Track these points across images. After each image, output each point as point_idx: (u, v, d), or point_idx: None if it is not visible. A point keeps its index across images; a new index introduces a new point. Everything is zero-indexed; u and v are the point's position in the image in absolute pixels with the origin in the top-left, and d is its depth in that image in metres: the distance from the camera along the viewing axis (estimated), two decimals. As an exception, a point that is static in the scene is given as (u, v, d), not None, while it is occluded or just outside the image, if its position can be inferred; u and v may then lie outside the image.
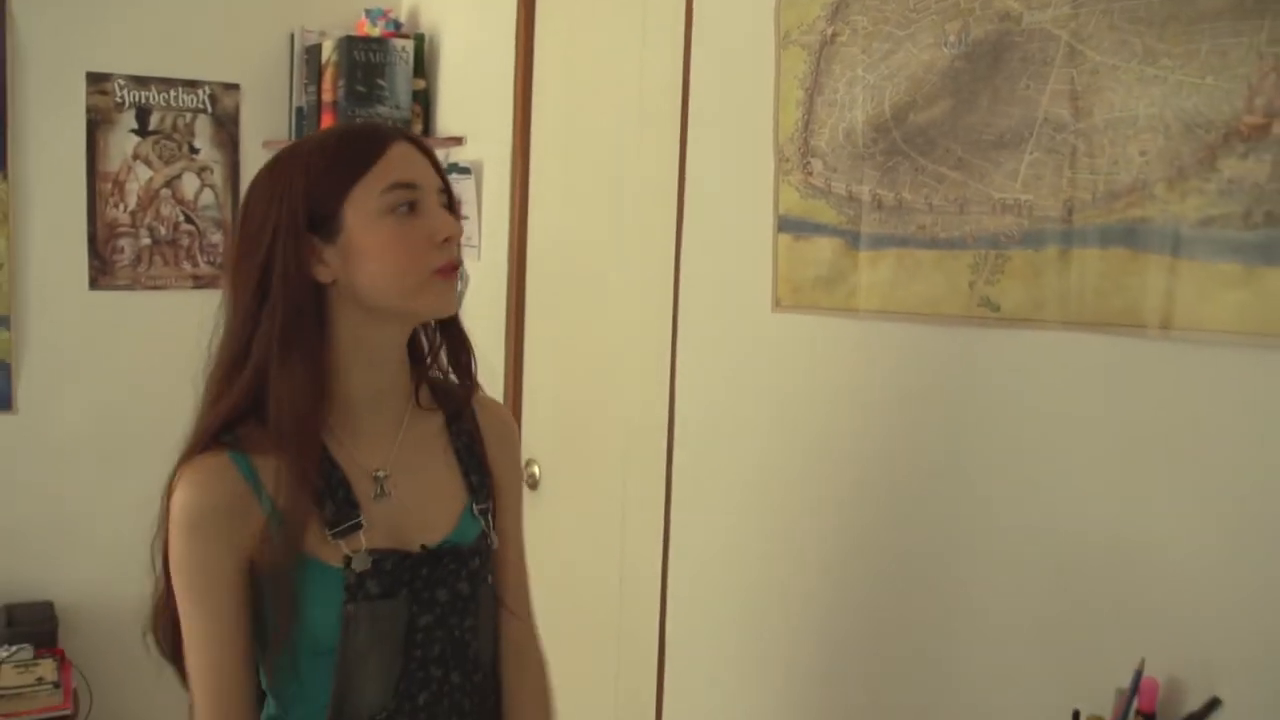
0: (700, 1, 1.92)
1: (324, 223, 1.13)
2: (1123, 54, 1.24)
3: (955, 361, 1.46)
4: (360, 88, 2.79)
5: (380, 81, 2.81)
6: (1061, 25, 1.30)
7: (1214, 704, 1.15)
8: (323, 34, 2.95)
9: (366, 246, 1.13)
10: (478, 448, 1.30)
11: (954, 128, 1.43)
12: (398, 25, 2.94)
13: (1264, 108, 1.12)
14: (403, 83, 2.85)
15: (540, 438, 2.51)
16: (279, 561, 1.10)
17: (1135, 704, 1.18)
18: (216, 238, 2.98)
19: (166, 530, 1.14)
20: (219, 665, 1.13)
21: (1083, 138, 1.28)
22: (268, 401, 1.12)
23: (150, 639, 1.21)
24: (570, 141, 2.44)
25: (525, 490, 2.51)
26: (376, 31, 2.89)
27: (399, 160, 1.15)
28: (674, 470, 2.02)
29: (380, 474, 1.19)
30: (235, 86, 2.98)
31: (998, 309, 1.39)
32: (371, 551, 1.13)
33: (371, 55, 2.80)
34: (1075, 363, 1.31)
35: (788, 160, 1.69)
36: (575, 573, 2.36)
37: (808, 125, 1.65)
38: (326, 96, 2.87)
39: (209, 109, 2.94)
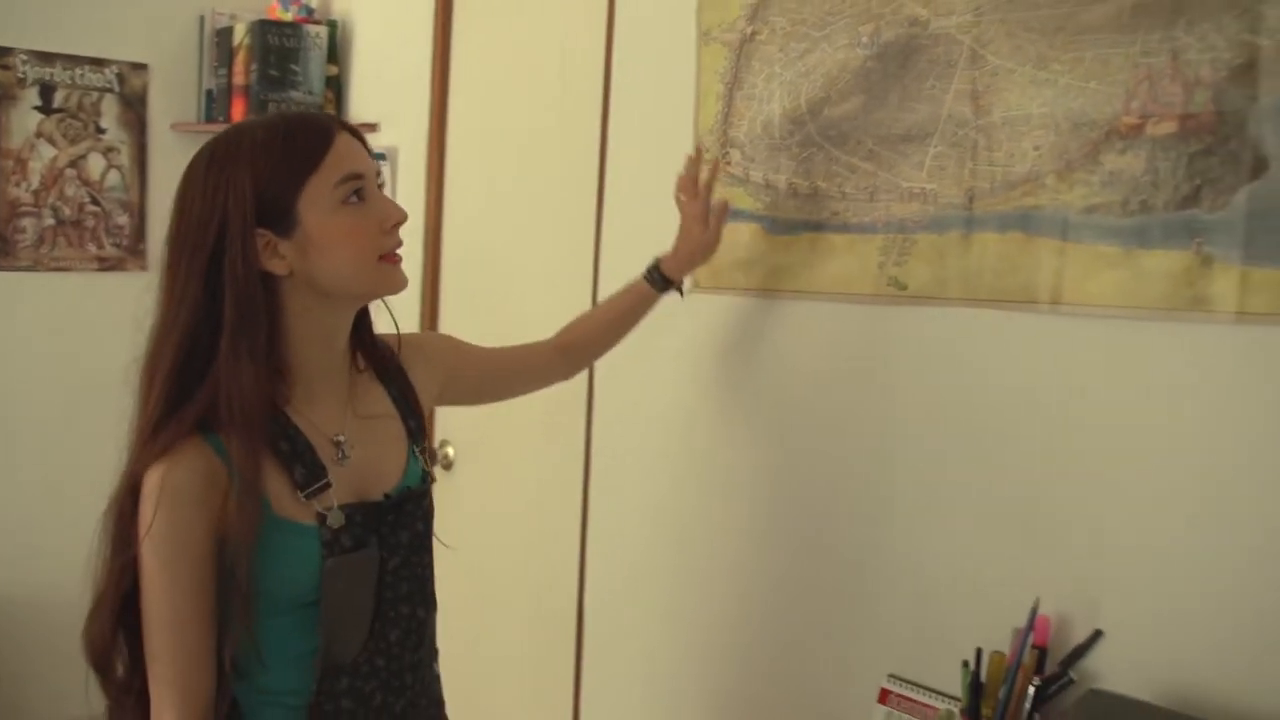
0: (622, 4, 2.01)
1: (278, 218, 1.18)
2: (1018, 59, 1.38)
3: (866, 337, 1.59)
4: (273, 72, 2.80)
5: (294, 66, 2.83)
6: (965, 31, 1.44)
7: (1097, 635, 1.31)
8: (234, 17, 2.95)
9: (325, 239, 1.19)
10: (409, 392, 1.39)
11: (866, 122, 1.56)
12: (309, 10, 2.96)
13: (1139, 110, 1.27)
14: (316, 68, 2.87)
15: (456, 419, 2.57)
16: (247, 524, 1.13)
17: (1030, 639, 1.32)
18: (123, 219, 2.94)
19: (122, 522, 1.16)
20: (185, 644, 1.15)
21: (983, 133, 1.42)
22: (221, 390, 1.15)
23: (83, 641, 1.18)
24: (488, 129, 2.50)
25: (440, 472, 2.57)
26: (289, 16, 2.90)
27: (345, 151, 1.21)
28: (592, 451, 2.11)
29: (340, 438, 1.26)
30: (144, 67, 2.94)
31: (905, 288, 1.53)
32: (343, 507, 1.20)
33: (285, 40, 2.81)
34: (977, 335, 1.45)
35: (708, 151, 1.79)
36: (493, 555, 2.42)
37: (727, 118, 1.77)
38: (238, 80, 2.87)
39: (116, 89, 2.90)
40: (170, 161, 2.85)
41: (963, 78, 1.44)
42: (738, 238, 1.75)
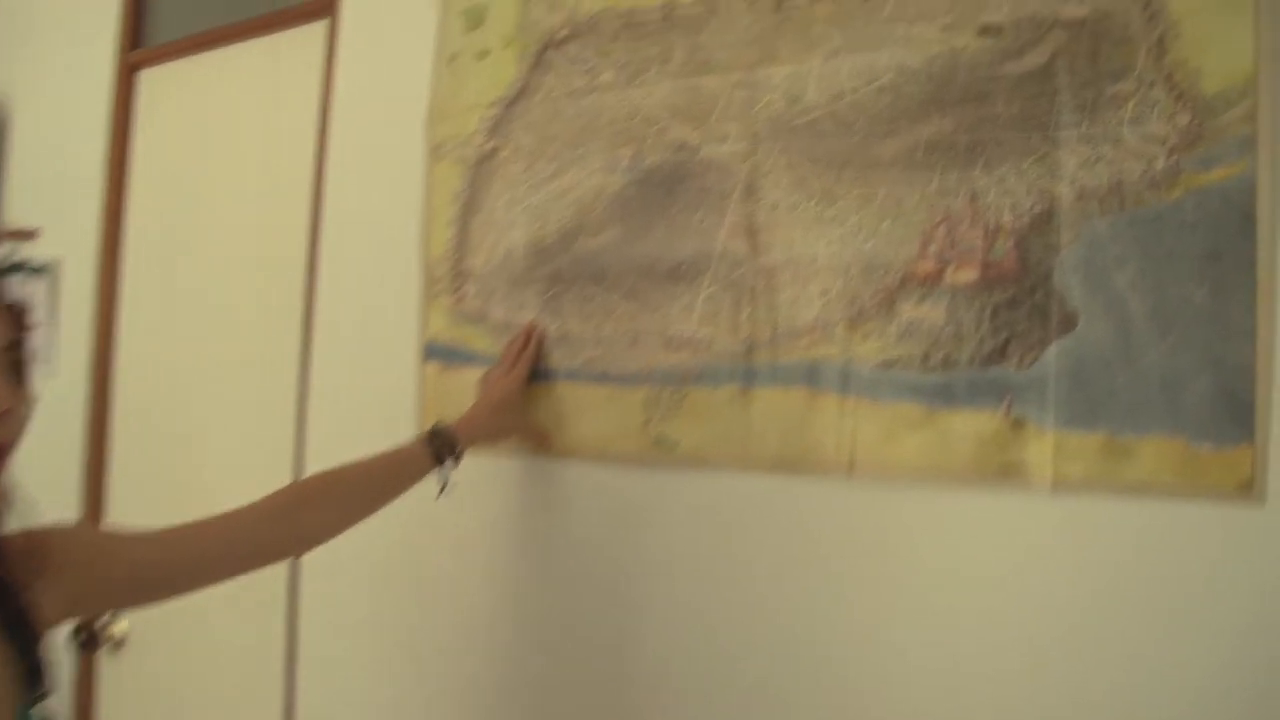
0: (341, 104, 1.74)
1: None
2: (801, 193, 1.23)
3: (627, 502, 1.36)
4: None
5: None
6: (740, 160, 1.28)
7: None
8: None
9: None
10: (26, 615, 0.98)
11: (626, 256, 1.36)
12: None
13: (937, 255, 1.15)
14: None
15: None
16: None
17: None
18: None
19: None
20: None
21: (762, 275, 1.26)
22: None
23: None
24: (175, 242, 2.11)
25: (104, 657, 2.07)
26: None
27: None
28: (299, 626, 1.74)
29: None
30: None
31: (674, 449, 1.32)
32: None
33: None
34: (759, 504, 1.26)
35: (438, 282, 1.54)
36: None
37: (462, 245, 1.52)
38: None
39: None
40: None
41: (738, 211, 1.28)
42: (473, 386, 1.49)
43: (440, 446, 1.31)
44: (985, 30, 1.12)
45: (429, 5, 1.60)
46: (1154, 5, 1.04)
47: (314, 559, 1.70)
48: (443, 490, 1.32)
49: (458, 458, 1.33)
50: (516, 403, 1.40)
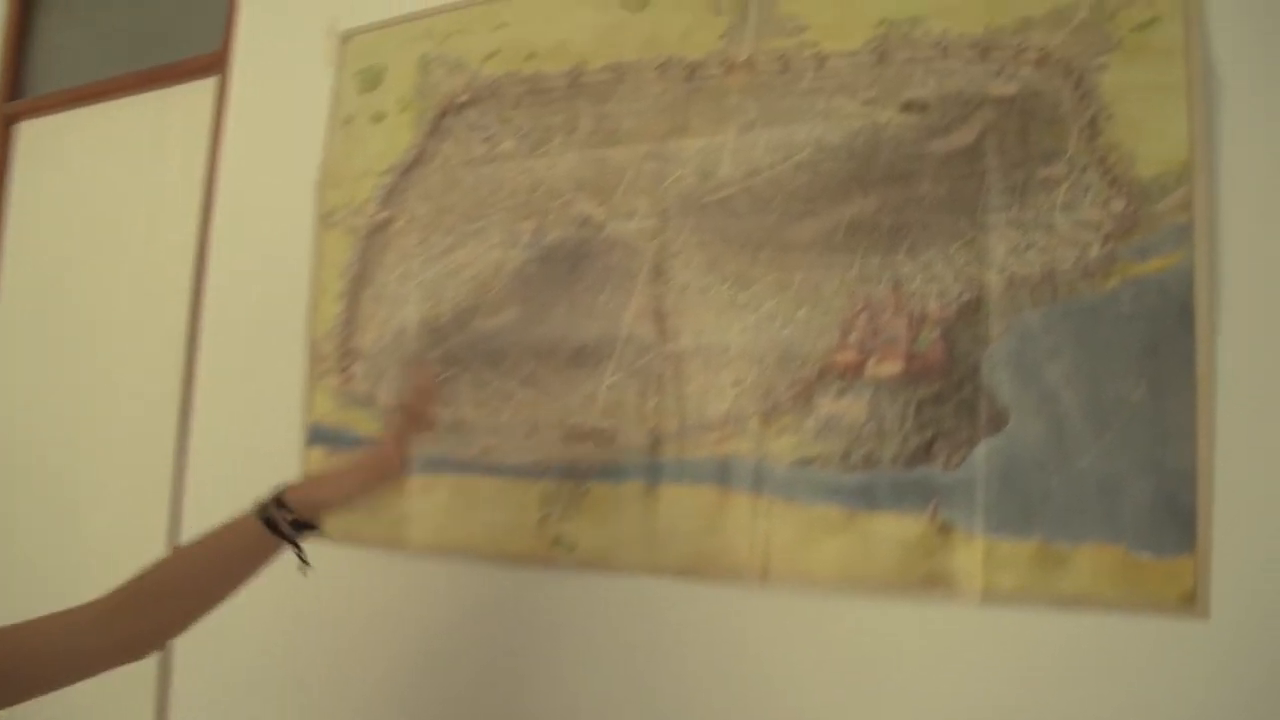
0: (229, 165, 1.62)
1: None
2: (714, 275, 1.14)
3: (523, 604, 1.24)
4: None
5: None
6: (648, 238, 1.19)
7: None
8: None
9: None
10: None
11: (525, 339, 1.26)
12: None
13: (858, 345, 1.06)
14: None
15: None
16: None
17: None
18: None
19: None
20: None
21: (670, 362, 1.16)
22: None
23: None
24: (46, 308, 1.96)
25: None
26: None
27: None
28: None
29: None
30: None
31: (574, 549, 1.20)
32: None
33: None
34: (664, 611, 1.14)
35: (324, 360, 1.41)
36: None
37: (350, 321, 1.40)
38: None
39: None
40: None
41: (645, 292, 1.19)
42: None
43: (274, 516, 1.04)
44: (909, 106, 1.05)
45: (324, 64, 1.50)
46: (1085, 85, 0.98)
47: (187, 660, 1.54)
48: (302, 562, 1.05)
49: (301, 524, 1.04)
50: (391, 464, 1.10)
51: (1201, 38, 0.95)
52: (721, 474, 1.12)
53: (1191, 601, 0.92)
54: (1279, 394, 0.91)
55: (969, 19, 1.05)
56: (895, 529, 1.03)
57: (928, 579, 1.01)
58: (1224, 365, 0.92)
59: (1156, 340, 0.94)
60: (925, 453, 1.02)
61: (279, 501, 1.05)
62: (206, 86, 1.72)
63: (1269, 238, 0.92)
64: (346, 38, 1.48)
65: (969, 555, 0.99)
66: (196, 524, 1.55)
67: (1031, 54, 1.01)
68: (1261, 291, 0.92)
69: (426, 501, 1.30)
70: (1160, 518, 0.93)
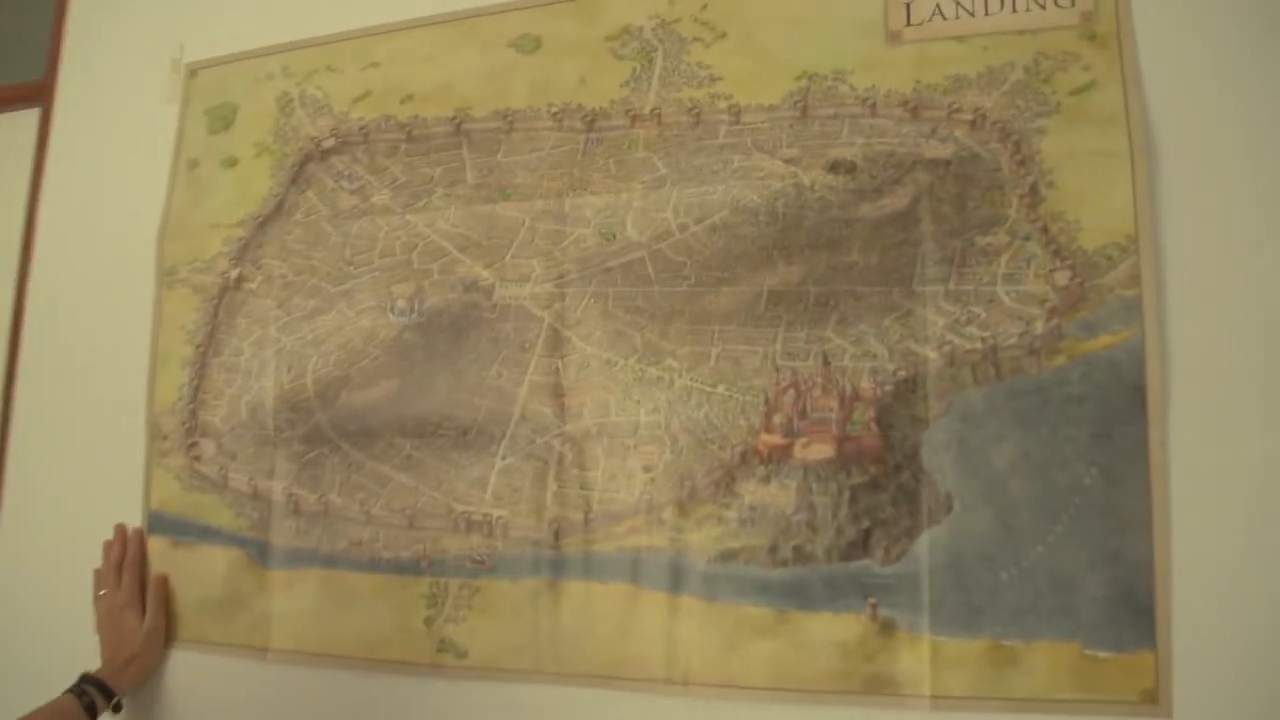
0: (51, 211, 1.42)
1: None
2: (619, 348, 1.03)
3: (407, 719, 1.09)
4: None
5: None
6: (543, 305, 1.07)
7: None
8: None
9: None
10: None
11: (402, 416, 1.11)
12: None
13: (784, 427, 0.97)
14: None
15: None
16: None
17: None
18: None
19: None
20: None
21: (571, 444, 1.04)
22: None
23: None
24: None
25: None
26: None
27: None
28: None
29: None
30: None
31: (464, 655, 1.06)
32: None
33: None
34: (571, 730, 1.01)
35: (166, 439, 1.23)
36: None
37: (197, 394, 1.23)
38: None
39: None
40: None
41: (541, 366, 1.06)
42: (210, 568, 1.18)
43: (95, 699, 1.13)
44: (835, 166, 0.97)
45: (167, 98, 1.33)
46: (1025, 150, 0.92)
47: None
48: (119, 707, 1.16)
49: (116, 708, 1.16)
50: (160, 636, 1.20)
51: (1141, 103, 0.90)
52: (633, 570, 1.00)
53: (1154, 699, 0.85)
54: (1236, 478, 0.85)
55: (897, 76, 0.97)
56: (831, 629, 0.93)
57: (870, 683, 0.92)
58: (1178, 448, 0.87)
59: (1108, 422, 0.87)
60: (862, 545, 0.93)
61: (92, 684, 1.14)
62: (28, 119, 1.51)
63: (1218, 313, 0.87)
64: (193, 71, 1.32)
65: (915, 656, 0.91)
66: (12, 665, 1.34)
67: (966, 114, 0.94)
68: (1213, 370, 0.87)
69: (290, 600, 1.14)
70: (1117, 611, 0.86)
